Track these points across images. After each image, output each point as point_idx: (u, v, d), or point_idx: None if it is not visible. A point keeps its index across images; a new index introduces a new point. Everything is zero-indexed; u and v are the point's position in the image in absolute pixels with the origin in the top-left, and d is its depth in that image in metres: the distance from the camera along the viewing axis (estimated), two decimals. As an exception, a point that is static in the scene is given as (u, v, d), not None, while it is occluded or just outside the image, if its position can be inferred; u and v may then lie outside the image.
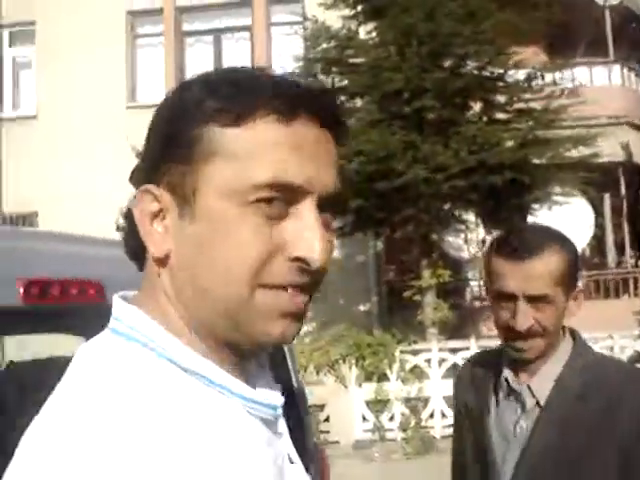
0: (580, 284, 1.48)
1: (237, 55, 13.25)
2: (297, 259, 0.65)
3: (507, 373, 1.46)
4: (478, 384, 1.57)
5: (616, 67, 13.48)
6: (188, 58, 13.37)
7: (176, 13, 13.15)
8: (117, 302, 0.70)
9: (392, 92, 8.22)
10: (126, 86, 12.88)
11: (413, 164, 7.72)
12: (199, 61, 13.21)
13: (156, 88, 12.96)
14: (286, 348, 1.99)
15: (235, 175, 0.64)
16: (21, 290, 1.21)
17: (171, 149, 0.66)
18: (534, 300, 1.35)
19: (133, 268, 0.74)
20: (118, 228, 0.73)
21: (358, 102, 9.00)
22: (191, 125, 0.65)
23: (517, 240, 1.39)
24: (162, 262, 0.68)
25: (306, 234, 0.65)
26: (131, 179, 0.72)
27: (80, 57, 12.25)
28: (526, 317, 1.35)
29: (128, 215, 0.71)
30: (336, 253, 12.23)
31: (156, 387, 0.63)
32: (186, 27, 13.43)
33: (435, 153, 7.85)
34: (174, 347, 0.65)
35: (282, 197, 0.65)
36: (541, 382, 1.42)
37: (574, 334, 1.48)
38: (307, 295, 0.67)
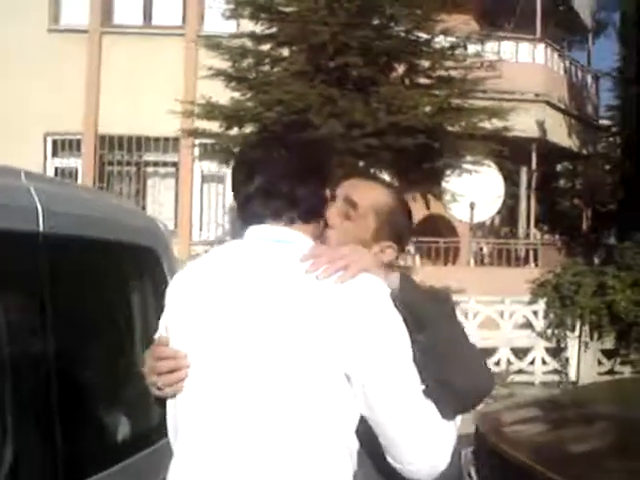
0: (391, 247, 1.61)
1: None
2: None
3: None
4: None
5: (540, 46, 13.90)
6: (116, -19, 12.84)
7: (106, -64, 12.54)
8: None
9: (318, 45, 8.25)
10: (48, 8, 12.30)
11: (330, 119, 7.84)
12: (127, -13, 12.72)
13: (80, 11, 12.42)
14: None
15: None
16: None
17: None
18: None
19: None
20: None
21: (285, 51, 8.99)
22: None
23: None
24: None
25: None
26: None
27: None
28: None
29: None
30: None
31: None
32: (115, -49, 12.86)
33: (352, 109, 7.98)
34: None
35: None
36: None
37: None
38: None
